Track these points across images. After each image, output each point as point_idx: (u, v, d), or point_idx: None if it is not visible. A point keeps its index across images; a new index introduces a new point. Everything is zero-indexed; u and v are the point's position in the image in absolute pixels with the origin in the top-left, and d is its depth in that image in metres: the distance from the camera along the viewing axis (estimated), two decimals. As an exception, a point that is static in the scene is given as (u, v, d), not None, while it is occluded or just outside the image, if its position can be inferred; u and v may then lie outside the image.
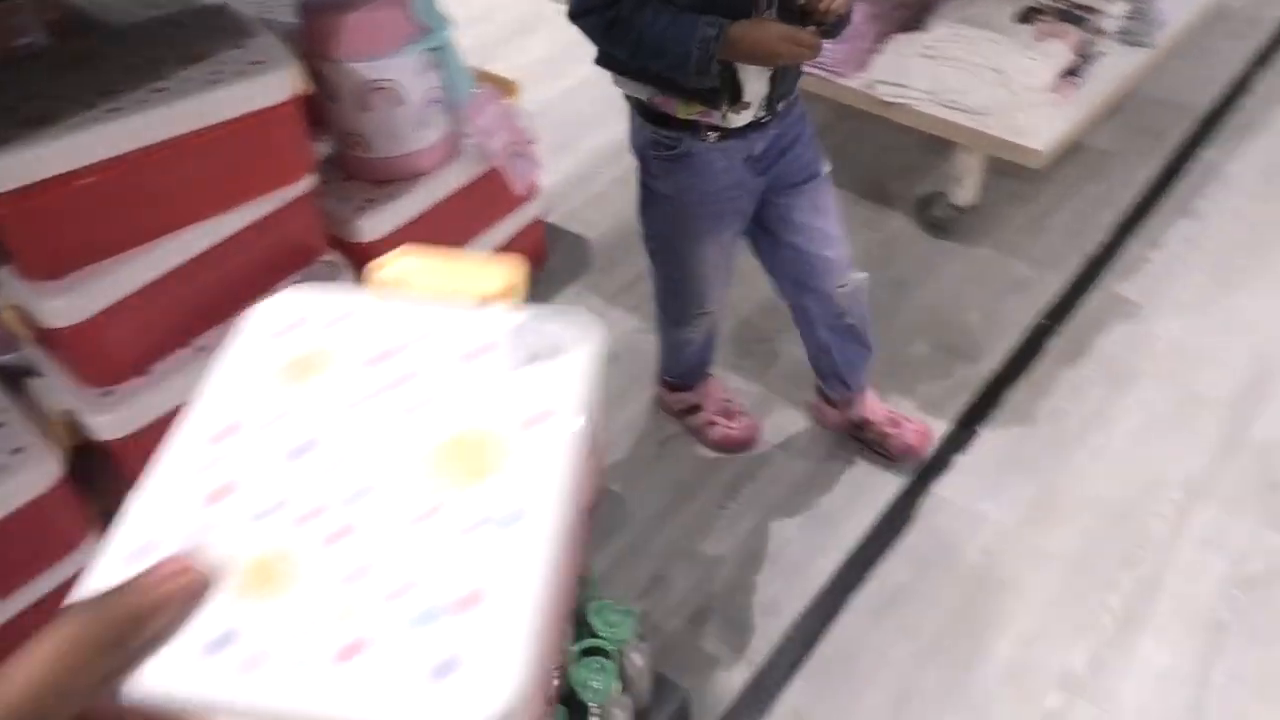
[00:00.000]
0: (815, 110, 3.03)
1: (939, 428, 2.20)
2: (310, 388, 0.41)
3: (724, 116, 1.59)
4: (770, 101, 1.61)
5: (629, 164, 1.77)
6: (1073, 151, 2.84)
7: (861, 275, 1.90)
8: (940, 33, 2.17)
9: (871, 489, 2.10)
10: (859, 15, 2.09)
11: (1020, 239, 2.66)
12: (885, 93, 2.07)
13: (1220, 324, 2.38)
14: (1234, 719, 1.68)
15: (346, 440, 0.39)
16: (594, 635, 1.46)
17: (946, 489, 2.10)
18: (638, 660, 1.52)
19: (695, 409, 2.20)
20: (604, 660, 1.44)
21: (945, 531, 2.02)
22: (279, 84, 0.61)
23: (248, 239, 0.62)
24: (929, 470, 2.13)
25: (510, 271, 0.45)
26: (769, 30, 1.45)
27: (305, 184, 0.66)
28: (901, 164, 2.89)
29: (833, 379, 2.06)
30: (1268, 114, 3.03)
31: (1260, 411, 2.18)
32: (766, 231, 1.82)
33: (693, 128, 1.62)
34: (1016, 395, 2.26)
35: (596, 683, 1.42)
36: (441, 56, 0.72)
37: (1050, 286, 2.52)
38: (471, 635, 0.33)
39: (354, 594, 0.34)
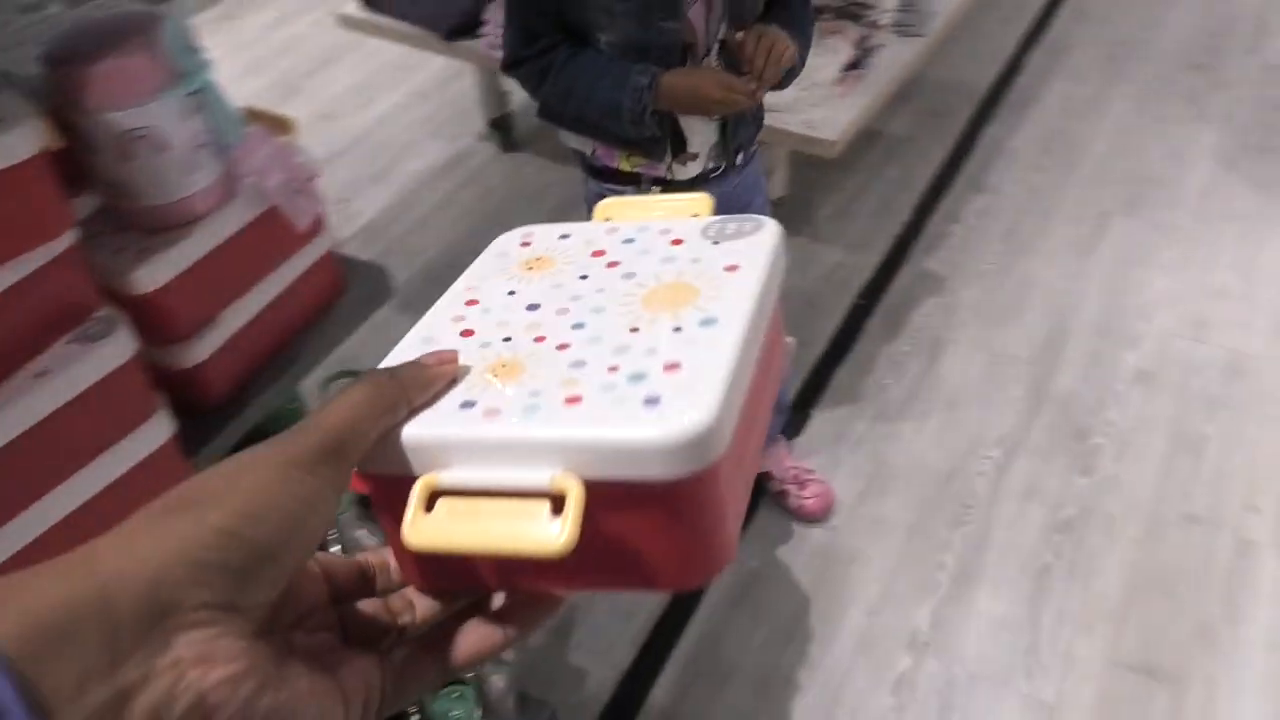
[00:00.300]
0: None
1: (776, 416, 2.27)
2: (541, 274, 0.50)
3: (669, 169, 1.53)
4: (724, 151, 1.55)
5: (449, 187, 1.78)
6: (870, 139, 2.99)
7: (789, 340, 1.91)
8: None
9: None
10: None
11: (832, 226, 2.79)
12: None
13: (1016, 287, 2.56)
14: (1063, 654, 1.81)
15: (572, 296, 0.47)
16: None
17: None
18: (498, 683, 1.52)
19: (765, 476, 2.10)
20: (462, 688, 1.44)
21: (790, 514, 2.10)
22: (23, 141, 0.60)
23: (8, 302, 0.60)
24: (765, 455, 2.20)
25: (699, 202, 0.54)
26: (704, 78, 1.39)
27: (66, 240, 0.64)
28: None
29: None
30: (1039, 90, 3.27)
31: (1058, 366, 2.35)
32: None
33: (636, 181, 1.56)
34: (842, 375, 2.37)
35: (458, 712, 1.42)
36: (204, 99, 0.71)
37: (864, 268, 2.65)
38: (675, 385, 0.39)
39: (576, 372, 0.41)
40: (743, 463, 0.43)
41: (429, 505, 0.38)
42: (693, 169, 1.54)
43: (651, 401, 0.38)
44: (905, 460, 2.17)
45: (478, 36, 2.41)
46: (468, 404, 0.40)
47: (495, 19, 2.36)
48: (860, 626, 1.88)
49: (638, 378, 0.40)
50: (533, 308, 0.47)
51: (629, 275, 0.48)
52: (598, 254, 0.51)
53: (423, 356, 0.42)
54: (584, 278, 0.49)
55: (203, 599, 0.30)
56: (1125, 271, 2.58)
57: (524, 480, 0.37)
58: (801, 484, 2.07)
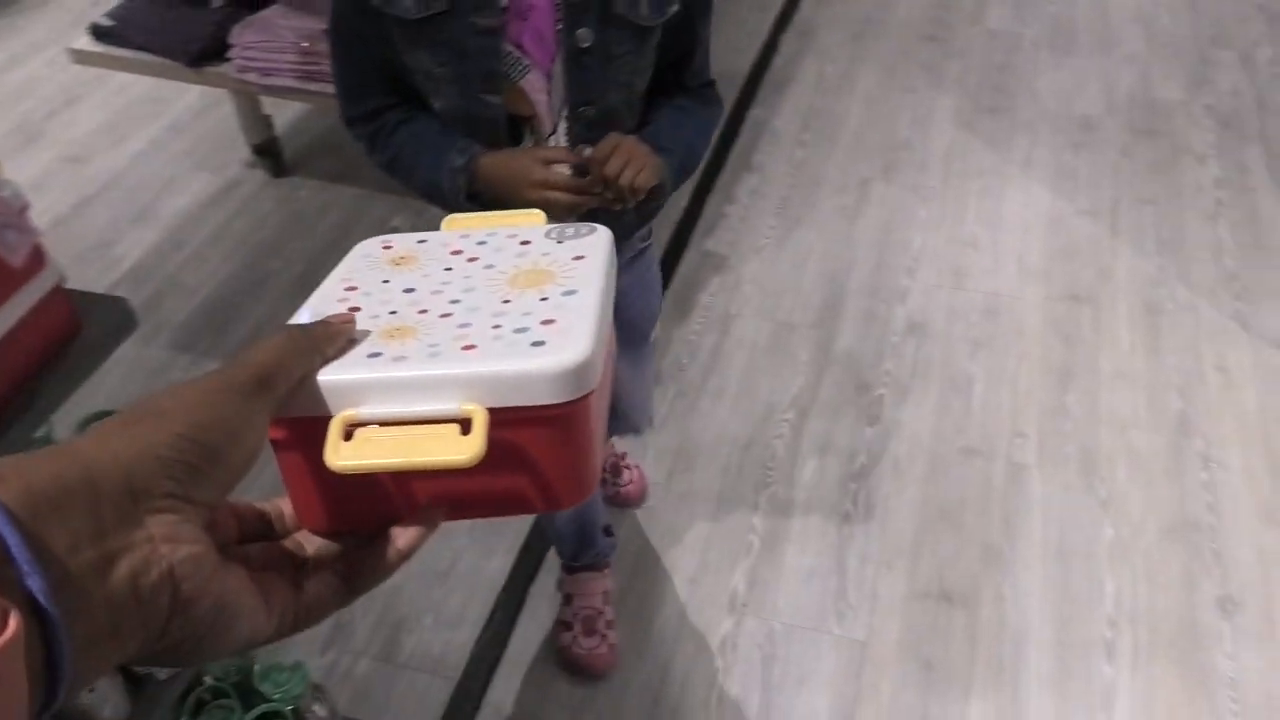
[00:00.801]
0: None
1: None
2: (408, 268, 0.55)
3: None
4: None
5: (219, 219, 1.70)
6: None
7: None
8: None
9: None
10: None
11: (615, 218, 2.84)
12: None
13: (792, 258, 2.69)
14: (869, 594, 1.92)
15: (443, 282, 0.53)
16: (266, 700, 1.40)
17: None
18: (320, 712, 1.48)
19: (567, 599, 1.91)
20: (281, 720, 1.39)
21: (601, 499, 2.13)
22: None
23: None
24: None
25: (534, 215, 0.61)
26: (522, 168, 1.17)
27: None
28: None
29: None
30: (795, 70, 3.45)
31: (838, 327, 2.49)
32: None
33: None
34: (640, 360, 2.43)
35: (278, 745, 1.37)
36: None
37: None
38: (553, 333, 0.46)
39: (465, 330, 0.47)
40: (601, 404, 0.51)
41: (347, 437, 0.43)
42: None
43: (538, 344, 0.45)
44: (708, 434, 2.24)
45: (226, 60, 2.32)
46: (375, 355, 0.46)
47: (242, 40, 2.28)
48: (682, 598, 1.94)
49: (521, 330, 0.47)
50: (409, 290, 0.53)
51: (490, 266, 0.55)
52: (456, 252, 0.57)
53: (327, 317, 0.48)
54: (449, 269, 0.55)
55: (168, 489, 0.36)
56: (888, 234, 2.76)
57: (435, 409, 0.44)
58: (616, 471, 2.10)
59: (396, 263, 0.56)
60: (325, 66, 2.25)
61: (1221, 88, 3.29)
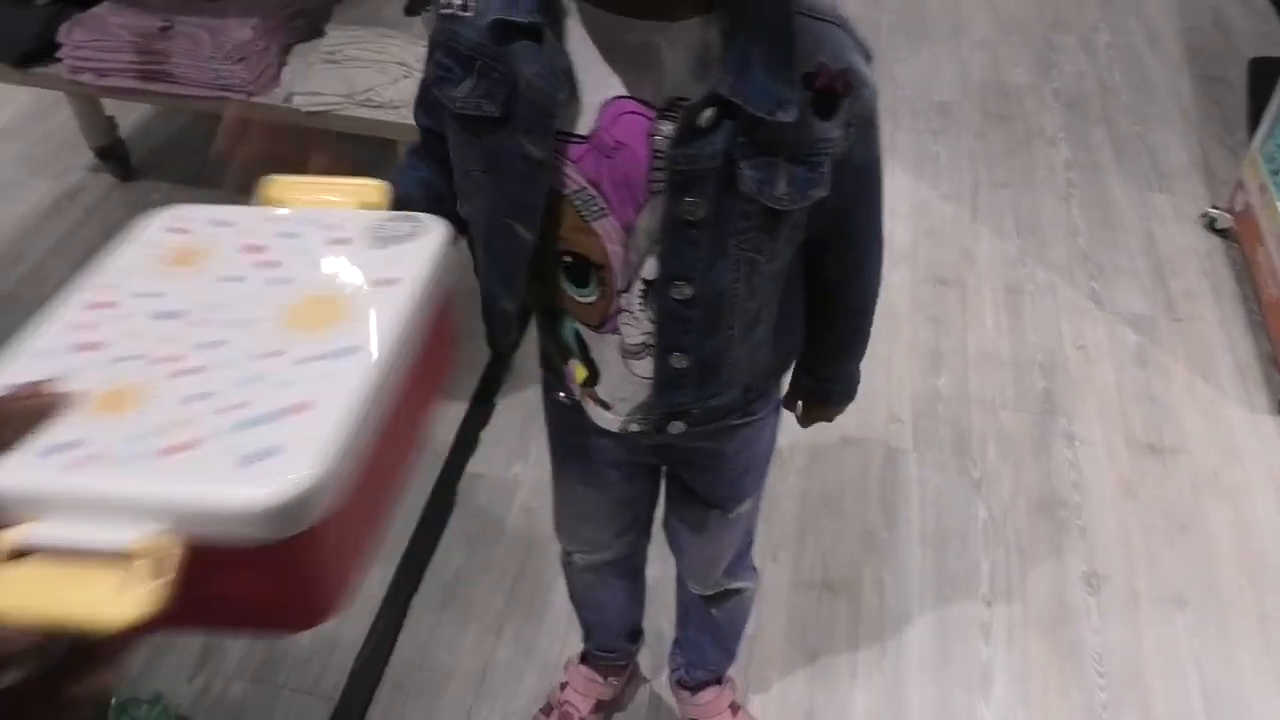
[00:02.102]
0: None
1: (457, 408, 2.25)
2: (185, 272, 0.47)
3: (576, 393, 1.13)
4: (649, 414, 1.08)
5: (62, 228, 1.57)
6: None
7: (742, 585, 1.56)
8: (337, 37, 2.18)
9: (411, 487, 2.10)
10: (252, 33, 2.04)
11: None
12: (303, 104, 2.05)
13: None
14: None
15: (210, 305, 0.44)
16: (125, 739, 1.32)
17: (479, 465, 2.16)
18: (188, 748, 1.40)
19: (561, 686, 1.76)
20: (143, 762, 1.31)
21: (486, 505, 2.08)
22: None
23: None
24: (457, 453, 2.17)
25: (373, 189, 0.52)
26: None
27: None
28: (366, 165, 2.87)
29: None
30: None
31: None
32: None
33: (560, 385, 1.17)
34: (520, 359, 2.38)
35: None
36: None
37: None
38: (296, 433, 0.37)
39: (191, 410, 0.39)
40: (370, 502, 0.42)
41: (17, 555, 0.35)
42: (605, 418, 1.12)
43: (259, 456, 0.37)
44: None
45: (56, 60, 2.17)
46: (61, 447, 0.38)
47: (71, 39, 2.14)
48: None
49: (253, 424, 0.38)
50: (169, 316, 0.45)
51: (281, 281, 0.46)
52: (254, 249, 0.48)
53: (20, 388, 0.39)
54: (234, 281, 0.47)
55: None
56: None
57: (107, 540, 0.35)
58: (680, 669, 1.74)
59: (178, 260, 0.48)
60: (168, 66, 2.13)
61: (1066, 71, 3.43)
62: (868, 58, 0.89)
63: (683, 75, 0.83)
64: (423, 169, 1.01)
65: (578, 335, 1.05)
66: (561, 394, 1.17)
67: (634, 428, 1.11)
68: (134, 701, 1.35)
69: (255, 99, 2.09)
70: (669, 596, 1.67)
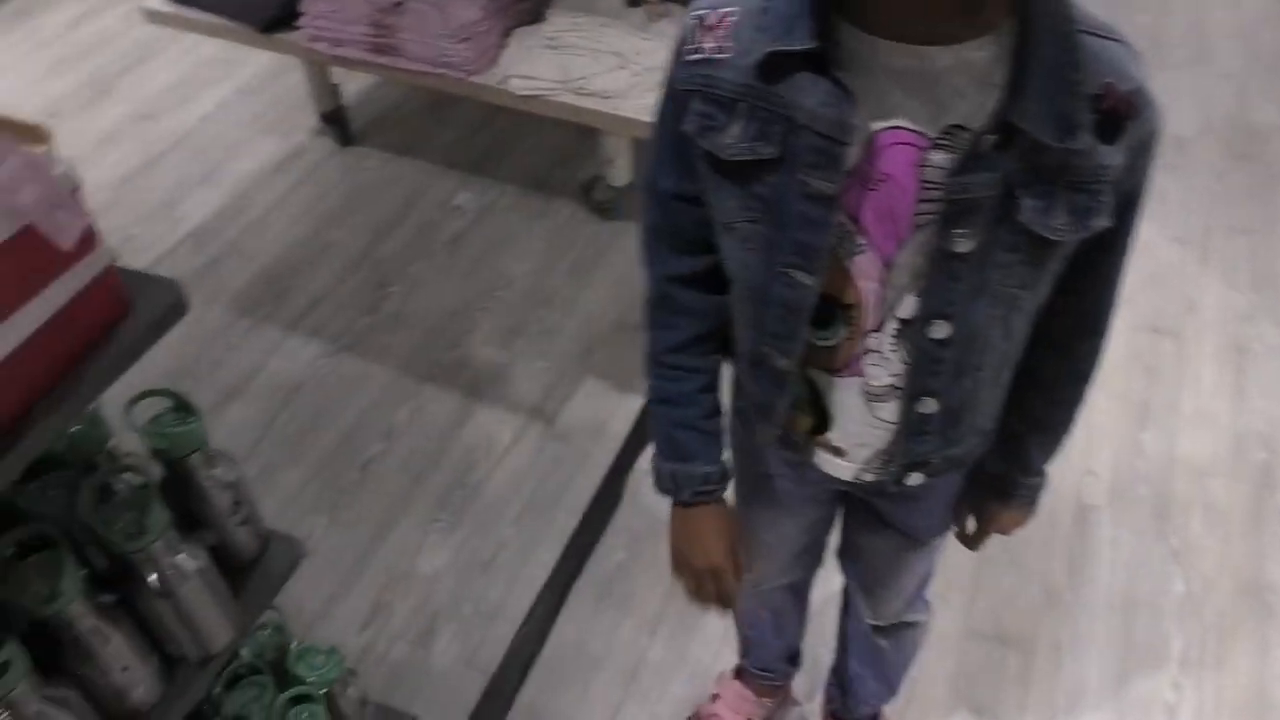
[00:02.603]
0: (464, 110, 3.05)
1: (635, 402, 2.25)
2: None
3: (801, 445, 1.09)
4: (888, 464, 1.04)
5: (284, 186, 1.67)
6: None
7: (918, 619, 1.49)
8: (559, 23, 2.21)
9: (580, 474, 2.13)
10: (480, 14, 2.08)
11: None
12: (518, 86, 2.08)
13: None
14: (921, 621, 1.84)
15: None
16: (300, 682, 1.38)
17: (650, 461, 2.15)
18: (352, 697, 1.46)
19: (712, 697, 1.73)
20: (313, 707, 1.37)
21: (654, 503, 2.05)
22: None
23: None
24: (631, 446, 2.18)
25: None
26: (708, 548, 1.11)
27: None
28: (560, 153, 2.94)
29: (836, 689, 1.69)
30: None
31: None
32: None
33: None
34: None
35: (306, 733, 1.35)
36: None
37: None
38: None
39: None
40: None
41: None
42: (841, 466, 1.06)
43: None
44: (763, 443, 2.18)
45: (295, 29, 2.29)
46: None
47: (313, 10, 2.24)
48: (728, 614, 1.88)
49: None
50: None
51: None
52: None
53: None
54: None
55: None
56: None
57: None
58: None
59: None
60: (397, 40, 2.21)
61: (1327, 115, 3.13)
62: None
63: (961, 102, 0.78)
64: (686, 321, 1.03)
65: (809, 383, 1.00)
66: (772, 439, 1.09)
67: (868, 477, 1.05)
68: (312, 650, 1.40)
69: (474, 79, 2.14)
70: (827, 622, 1.62)
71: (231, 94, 3.21)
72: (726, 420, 1.11)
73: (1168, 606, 1.87)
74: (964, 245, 0.83)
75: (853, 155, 0.81)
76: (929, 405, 0.95)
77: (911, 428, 0.97)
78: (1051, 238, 0.83)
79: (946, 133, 0.79)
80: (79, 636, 0.96)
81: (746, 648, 1.65)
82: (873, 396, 0.97)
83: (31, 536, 0.96)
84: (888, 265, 0.87)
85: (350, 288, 2.56)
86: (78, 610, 0.95)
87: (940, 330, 0.89)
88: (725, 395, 1.11)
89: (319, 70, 2.83)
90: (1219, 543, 1.97)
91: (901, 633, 1.48)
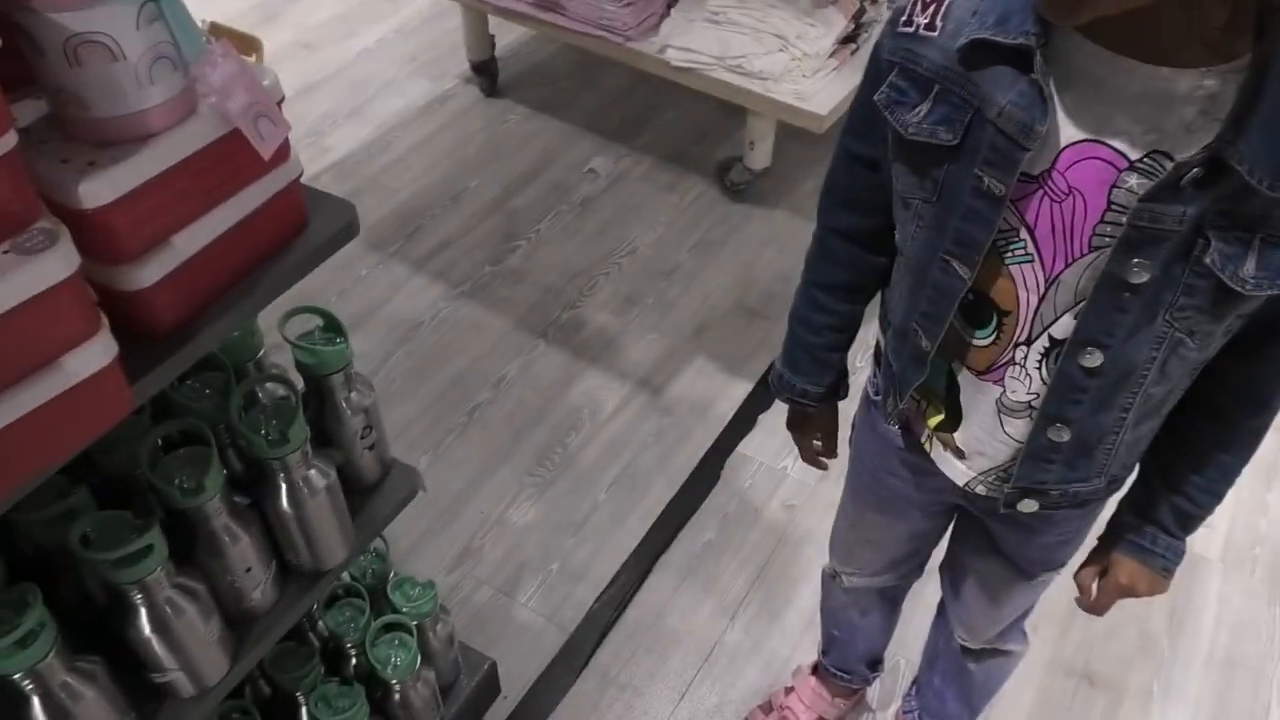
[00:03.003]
0: (611, 76, 3.07)
1: (743, 387, 2.25)
2: None
3: (929, 436, 1.08)
4: (1003, 482, 1.01)
5: (428, 128, 1.71)
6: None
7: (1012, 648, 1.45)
8: (723, -2, 2.22)
9: (680, 449, 2.14)
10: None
11: (811, 201, 2.72)
12: (675, 57, 2.09)
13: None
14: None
15: None
16: (395, 610, 1.42)
17: (750, 448, 2.15)
18: (440, 633, 1.50)
19: (787, 690, 1.73)
20: (405, 636, 1.41)
21: (749, 489, 2.08)
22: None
23: (-64, 207, 0.57)
24: (733, 429, 2.18)
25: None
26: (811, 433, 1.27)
27: (4, 144, 0.60)
28: (700, 129, 2.94)
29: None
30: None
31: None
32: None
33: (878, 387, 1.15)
34: (812, 355, 2.34)
35: (398, 659, 1.40)
36: (162, 8, 0.66)
37: (843, 249, 2.62)
38: None
39: None
40: None
41: None
42: (958, 469, 1.06)
43: None
44: (867, 446, 2.15)
45: (467, -26, 2.34)
46: None
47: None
48: (809, 607, 1.87)
49: None
50: None
51: None
52: None
53: None
54: None
55: None
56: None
57: None
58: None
59: None
60: (565, -1, 2.23)
61: None
62: None
63: (1174, 128, 0.75)
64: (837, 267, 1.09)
65: (950, 376, 0.98)
66: (897, 427, 1.10)
67: (980, 489, 1.04)
68: (410, 581, 1.45)
69: (631, 44, 2.15)
70: (915, 630, 1.60)
71: (390, 33, 3.29)
72: (839, 358, 1.18)
73: (1271, 674, 1.80)
74: (1139, 276, 0.79)
75: (1038, 163, 0.79)
76: (1061, 433, 0.92)
77: (1036, 451, 0.95)
78: (1234, 287, 0.78)
79: (1150, 157, 0.76)
80: (213, 532, 1.01)
81: (829, 645, 1.64)
82: (1006, 409, 0.95)
83: (181, 431, 1.01)
84: (1051, 282, 0.85)
85: (478, 236, 2.61)
86: (215, 507, 1.00)
87: (1092, 359, 0.85)
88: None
89: (478, 19, 2.87)
90: (1336, 617, 1.88)
91: (992, 659, 1.45)
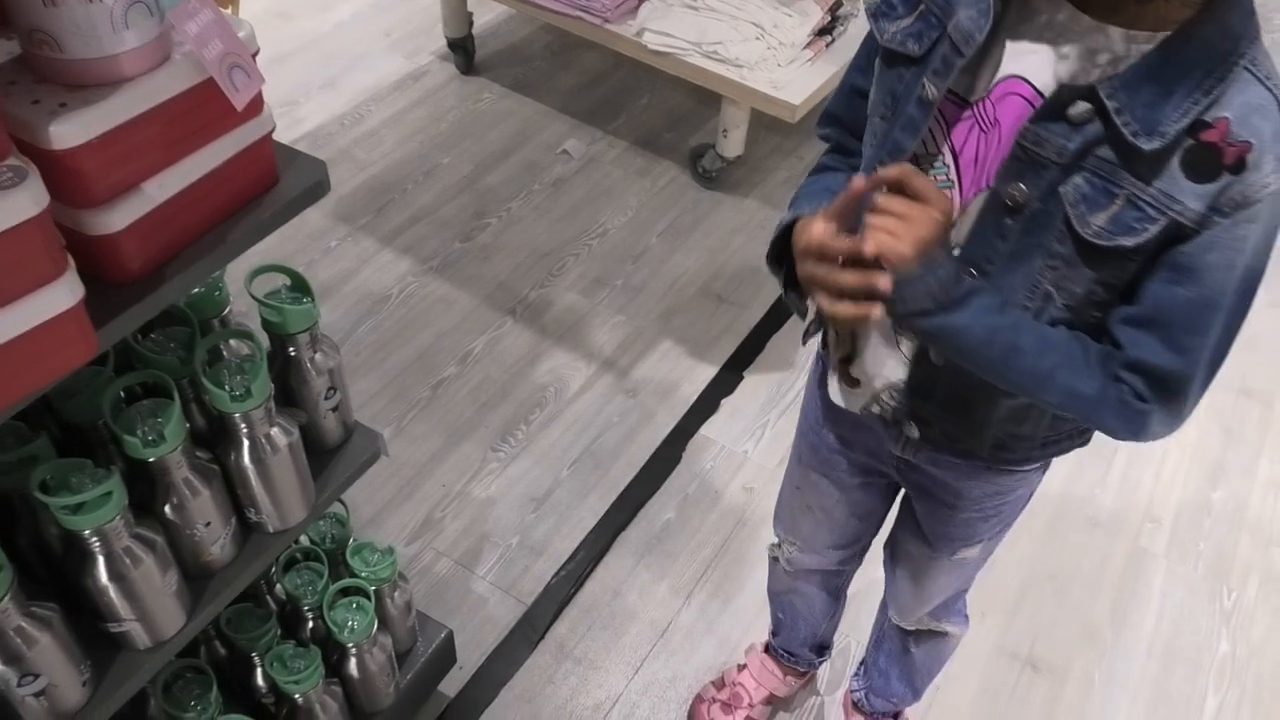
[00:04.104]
0: (587, 59, 3.08)
1: (707, 370, 2.27)
2: None
3: (834, 367, 1.11)
4: (892, 398, 1.04)
5: (402, 103, 1.71)
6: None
7: (949, 629, 1.48)
8: (703, -16, 2.23)
9: (643, 430, 2.16)
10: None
11: (783, 191, 2.78)
12: (652, 41, 2.10)
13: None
14: (955, 633, 1.84)
15: None
16: (353, 575, 1.43)
17: (712, 430, 2.18)
18: (398, 600, 1.50)
19: (739, 667, 1.74)
20: (363, 600, 1.42)
21: (710, 471, 2.10)
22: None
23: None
24: (696, 412, 2.20)
25: None
26: (810, 230, 0.86)
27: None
28: (675, 115, 2.95)
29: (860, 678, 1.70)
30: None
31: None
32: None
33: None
34: (779, 341, 2.37)
35: (355, 623, 1.40)
36: (139, -50, 0.66)
37: (811, 239, 2.64)
38: None
39: None
40: None
41: None
42: (849, 398, 1.10)
43: None
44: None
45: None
46: None
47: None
48: (764, 589, 1.90)
49: None
50: None
51: None
52: None
53: None
54: None
55: None
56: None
57: None
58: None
59: None
60: (544, -24, 2.23)
61: None
62: None
63: (1095, 79, 0.79)
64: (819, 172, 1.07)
65: None
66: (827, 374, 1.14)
67: (874, 409, 1.07)
68: (370, 547, 1.45)
69: (609, 26, 2.16)
70: (868, 611, 1.63)
71: (367, 6, 3.28)
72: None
73: (1208, 665, 1.85)
74: (1017, 199, 0.82)
75: (976, 89, 0.85)
76: (939, 357, 0.96)
77: (919, 377, 0.99)
78: (1077, 227, 0.80)
79: (1055, 94, 0.81)
80: (173, 485, 1.01)
81: (777, 627, 1.67)
82: (898, 330, 0.99)
83: (144, 384, 1.01)
84: (962, 209, 0.88)
85: (449, 212, 2.61)
86: (176, 460, 1.00)
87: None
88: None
89: (455, -6, 2.87)
90: (1273, 612, 1.94)
91: (929, 640, 1.49)
